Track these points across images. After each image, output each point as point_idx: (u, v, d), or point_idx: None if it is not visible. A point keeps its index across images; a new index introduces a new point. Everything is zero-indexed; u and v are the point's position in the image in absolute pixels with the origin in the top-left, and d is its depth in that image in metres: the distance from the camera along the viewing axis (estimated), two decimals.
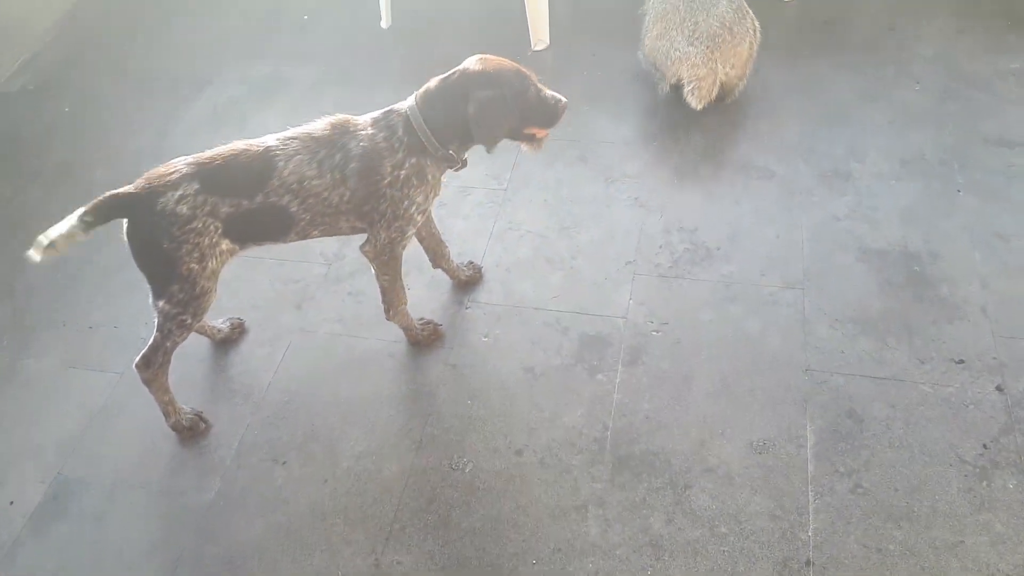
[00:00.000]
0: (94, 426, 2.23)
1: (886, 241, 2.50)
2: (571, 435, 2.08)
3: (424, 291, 2.50)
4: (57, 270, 2.70)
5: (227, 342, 2.39)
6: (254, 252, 2.70)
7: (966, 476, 1.89)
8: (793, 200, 2.68)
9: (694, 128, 3.01)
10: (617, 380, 2.19)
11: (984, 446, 1.95)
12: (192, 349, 2.38)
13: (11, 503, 2.08)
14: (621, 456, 2.01)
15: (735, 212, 2.66)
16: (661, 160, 2.89)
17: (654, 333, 2.31)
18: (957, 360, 2.14)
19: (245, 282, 2.60)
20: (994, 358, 2.14)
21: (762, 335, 2.26)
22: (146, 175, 1.90)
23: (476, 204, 2.81)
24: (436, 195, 2.09)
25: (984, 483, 1.87)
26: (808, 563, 1.77)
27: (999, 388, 2.07)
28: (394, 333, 2.37)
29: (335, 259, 2.66)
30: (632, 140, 3.01)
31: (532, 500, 1.95)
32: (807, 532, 1.82)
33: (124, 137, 3.33)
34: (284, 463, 2.09)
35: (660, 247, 2.57)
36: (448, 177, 2.93)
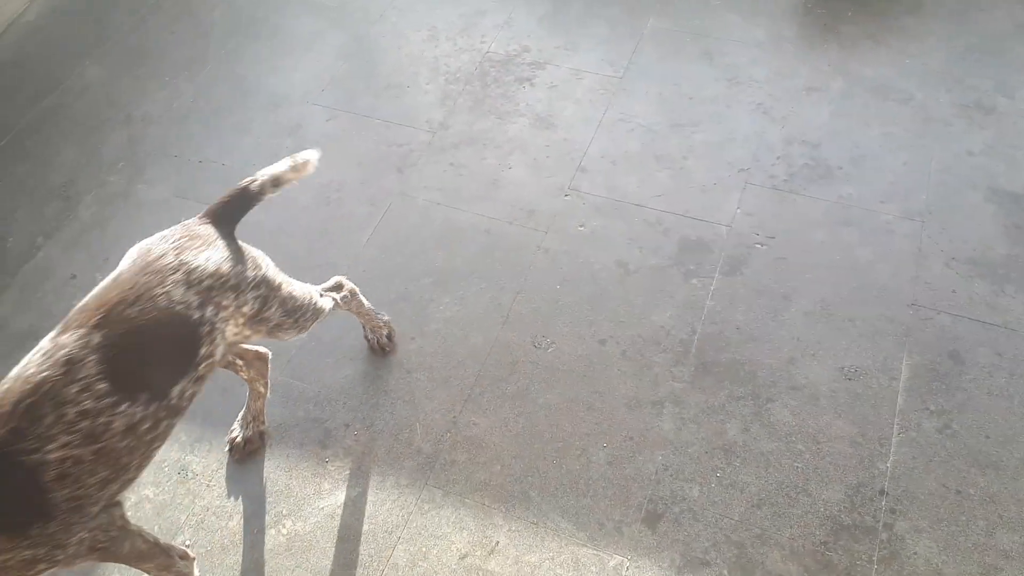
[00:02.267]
0: None
1: (1022, 184, 2.36)
2: (657, 333, 2.09)
3: (525, 172, 2.50)
4: (172, 104, 2.79)
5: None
6: (362, 109, 2.75)
7: None
8: (927, 128, 2.53)
9: (832, 39, 2.83)
10: (712, 287, 2.18)
11: None
12: (294, 196, 2.46)
13: None
14: (706, 361, 2.02)
15: (863, 133, 2.53)
16: (792, 68, 2.75)
17: (758, 246, 2.27)
18: None
19: (352, 139, 2.64)
20: None
21: (872, 264, 2.19)
22: None
23: (588, 89, 2.75)
24: None
25: None
26: (882, 492, 1.78)
27: None
28: (493, 209, 2.40)
29: (440, 127, 2.67)
30: (764, 43, 2.86)
31: (610, 388, 1.99)
32: (886, 463, 1.82)
33: None
34: (399, 313, 2.17)
35: (778, 158, 2.49)
36: (560, 57, 2.87)
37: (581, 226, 2.36)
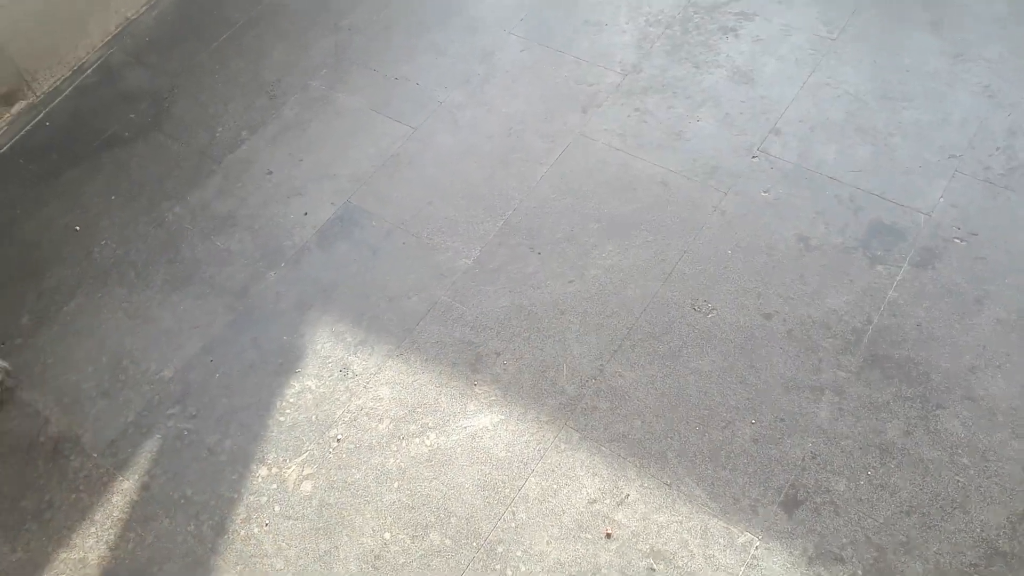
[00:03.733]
0: (385, 168, 2.48)
1: None
2: (829, 317, 2.01)
3: (714, 127, 2.42)
4: (378, 15, 2.91)
5: None
6: (556, 43, 2.75)
7: None
8: (943, 81, 2.21)
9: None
10: (898, 278, 2.05)
11: None
12: (481, 122, 2.53)
13: (305, 214, 2.41)
14: (877, 355, 1.93)
15: (961, 100, 2.25)
16: None
17: (957, 240, 2.10)
18: None
19: (541, 72, 2.65)
20: None
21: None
22: None
23: (795, 47, 2.60)
24: None
25: None
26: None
27: None
28: (673, 161, 2.36)
29: (632, 70, 2.63)
30: (1004, 18, 2.58)
31: (768, 365, 1.95)
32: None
33: None
34: (539, 253, 2.23)
35: (997, 149, 2.27)
36: (771, 10, 2.73)
37: (765, 191, 2.28)
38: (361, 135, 2.57)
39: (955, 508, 1.70)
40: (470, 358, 2.06)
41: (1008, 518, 1.68)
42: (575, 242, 2.24)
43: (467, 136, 2.51)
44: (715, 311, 2.06)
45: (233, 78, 2.81)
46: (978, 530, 1.67)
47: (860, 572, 1.64)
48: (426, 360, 2.07)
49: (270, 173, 2.52)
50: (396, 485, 1.86)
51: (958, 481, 1.73)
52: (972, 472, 1.74)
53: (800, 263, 2.11)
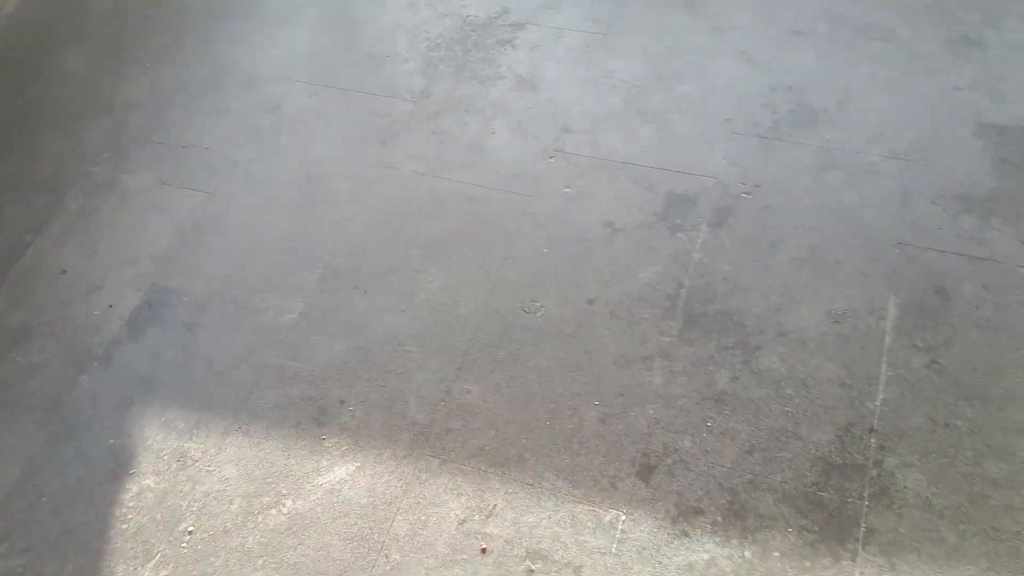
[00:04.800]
0: (187, 241, 2.40)
1: (1009, 116, 2.36)
2: (645, 290, 2.13)
3: (509, 137, 2.52)
4: (152, 89, 2.82)
5: None
6: (343, 82, 2.77)
7: None
8: (913, 66, 2.53)
9: None
10: (699, 240, 2.21)
11: None
12: (274, 174, 2.50)
13: (110, 306, 2.29)
14: (693, 314, 2.06)
15: (849, 74, 2.53)
16: (775, 12, 2.74)
17: (744, 196, 2.29)
18: None
19: (334, 113, 2.66)
20: None
21: (859, 206, 2.21)
22: None
23: (570, 48, 2.76)
24: None
25: None
26: (871, 431, 1.82)
27: None
28: (478, 176, 2.42)
29: (422, 96, 2.68)
30: None
31: (600, 347, 2.03)
32: (875, 402, 1.86)
33: None
34: (365, 291, 2.22)
35: (762, 106, 2.49)
36: (542, 16, 2.87)
37: (567, 187, 2.38)
38: (155, 213, 2.48)
39: (789, 437, 1.83)
40: (313, 413, 2.02)
41: (835, 433, 1.83)
42: (399, 272, 2.25)
43: (267, 191, 2.47)
44: (543, 308, 2.13)
45: (5, 180, 2.63)
46: (812, 451, 1.81)
47: (719, 518, 1.74)
48: (268, 427, 2.01)
49: (64, 272, 2.37)
50: (260, 562, 1.79)
51: (787, 412, 1.87)
52: (797, 400, 1.89)
53: (610, 246, 2.22)
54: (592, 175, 2.39)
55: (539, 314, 2.12)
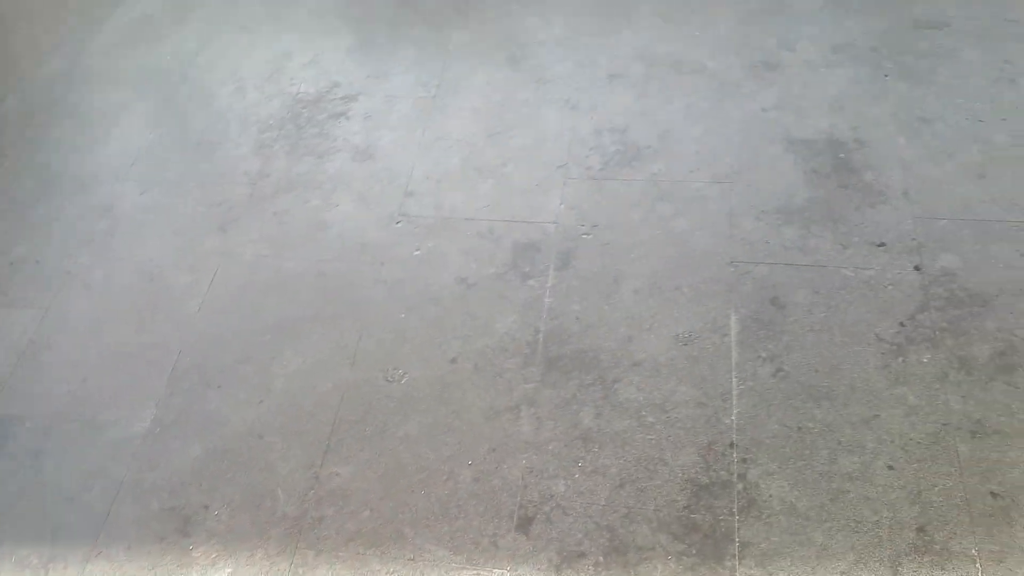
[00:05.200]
0: (22, 364, 2.23)
1: (813, 130, 2.55)
2: (504, 341, 2.13)
3: (352, 208, 2.50)
4: None
5: None
6: (176, 176, 2.68)
7: (883, 353, 2.00)
8: (723, 94, 2.69)
9: (625, 27, 2.98)
10: (548, 284, 2.24)
11: (901, 324, 2.05)
12: (111, 279, 2.38)
13: None
14: (552, 357, 2.08)
15: (666, 110, 2.67)
16: (592, 59, 2.87)
17: (585, 236, 2.35)
18: (878, 243, 2.23)
19: (169, 208, 2.57)
20: (913, 239, 2.22)
21: (690, 231, 2.31)
22: None
23: (403, 114, 2.78)
24: None
25: (900, 359, 1.98)
26: (731, 445, 1.88)
27: (917, 268, 2.16)
28: (324, 251, 2.39)
29: (259, 178, 2.63)
30: (563, 39, 2.97)
31: (466, 405, 2.02)
32: (731, 416, 1.92)
33: (34, 63, 3.19)
34: (218, 387, 2.12)
35: (591, 149, 2.59)
36: (372, 86, 2.90)
37: (417, 250, 2.38)
38: None
39: (656, 464, 1.86)
40: (178, 524, 1.89)
41: (699, 453, 1.88)
42: (252, 361, 2.17)
43: (105, 298, 2.34)
44: (406, 375, 2.10)
45: None
46: (680, 474, 1.84)
47: (601, 558, 1.73)
48: (130, 547, 1.87)
49: None
50: None
51: (650, 439, 1.91)
52: (659, 427, 1.93)
53: (465, 302, 2.22)
54: (439, 235, 2.40)
55: (403, 381, 2.09)
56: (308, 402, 2.06)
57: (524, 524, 1.80)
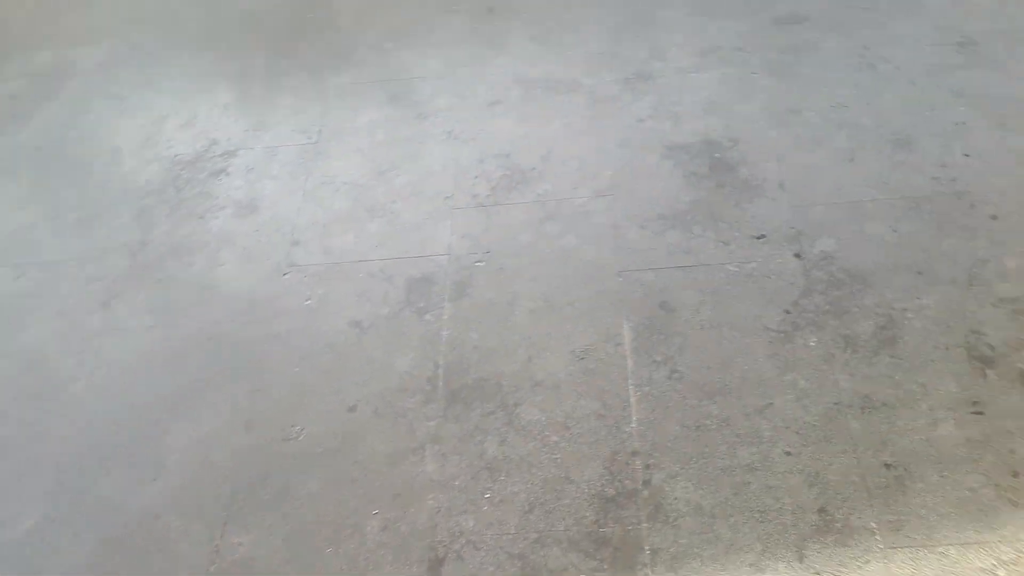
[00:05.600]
0: None
1: (689, 134, 2.63)
2: (404, 380, 2.12)
3: (238, 265, 2.47)
4: None
5: None
6: (52, 256, 2.61)
7: (771, 342, 2.06)
8: (599, 109, 2.76)
9: (500, 53, 3.04)
10: (445, 316, 2.25)
11: (786, 311, 2.12)
12: (3, 373, 2.29)
13: None
14: (453, 390, 2.08)
15: (546, 131, 2.72)
16: (471, 88, 2.92)
17: (477, 264, 2.37)
18: (758, 236, 2.30)
19: (46, 291, 2.49)
20: (791, 228, 2.31)
21: (578, 247, 2.35)
22: None
23: (285, 163, 2.77)
24: None
25: (787, 346, 2.05)
26: (634, 453, 1.90)
27: (797, 255, 2.24)
28: (212, 314, 2.34)
29: (140, 246, 2.58)
30: (441, 72, 3.01)
31: (369, 453, 1.99)
32: (631, 424, 1.95)
33: None
34: (108, 471, 2.05)
35: (476, 177, 2.61)
36: (251, 140, 2.88)
37: (308, 300, 2.36)
38: None
39: (563, 483, 1.87)
40: None
41: (603, 466, 1.89)
42: (143, 439, 2.11)
43: None
44: (305, 430, 2.07)
45: None
46: (587, 490, 1.85)
47: None
48: None
49: None
50: None
51: (556, 459, 1.91)
52: (563, 445, 1.94)
53: (362, 346, 2.21)
54: (330, 281, 2.39)
55: (301, 438, 2.05)
56: (203, 474, 2.01)
57: (435, 566, 1.78)
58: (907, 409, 1.88)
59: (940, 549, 1.70)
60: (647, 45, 2.98)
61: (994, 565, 1.68)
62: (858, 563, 1.69)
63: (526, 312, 2.22)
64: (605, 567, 1.73)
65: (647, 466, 1.87)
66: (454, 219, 2.50)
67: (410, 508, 1.88)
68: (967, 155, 2.44)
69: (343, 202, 2.61)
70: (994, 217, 2.27)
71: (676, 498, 1.82)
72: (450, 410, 2.04)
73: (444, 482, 1.91)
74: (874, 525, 1.73)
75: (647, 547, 1.75)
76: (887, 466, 1.81)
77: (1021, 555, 1.69)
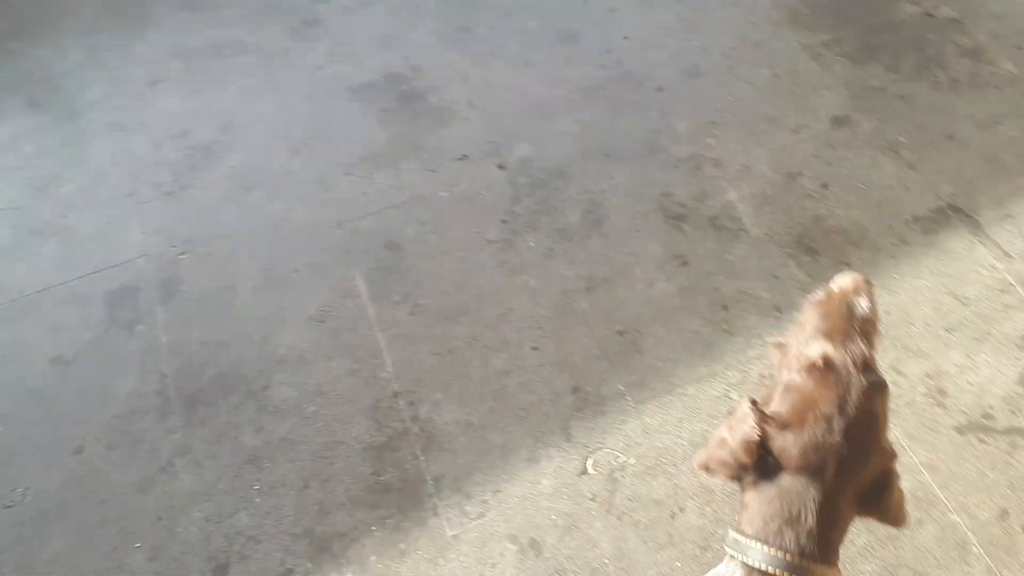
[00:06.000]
0: None
1: (370, 72, 2.61)
2: (130, 402, 1.94)
3: None
4: None
5: None
6: None
7: (496, 253, 2.14)
8: (272, 65, 2.65)
9: (149, 27, 2.79)
10: (159, 322, 2.08)
11: (503, 221, 2.21)
12: None
13: None
14: (189, 395, 1.94)
15: (222, 99, 2.56)
16: (125, 72, 2.65)
17: (181, 257, 2.20)
18: (460, 157, 2.36)
19: None
20: (489, 142, 2.40)
21: (288, 210, 2.27)
22: None
23: None
24: None
25: (511, 252, 2.15)
26: (396, 395, 1.91)
27: (500, 166, 2.34)
28: None
29: None
30: (84, 61, 2.71)
31: (112, 489, 1.82)
32: (386, 370, 1.95)
33: None
34: None
35: (156, 165, 2.41)
36: None
37: None
38: None
39: (333, 448, 1.84)
40: None
41: (368, 417, 1.88)
42: None
43: None
44: (27, 489, 1.83)
45: None
46: (358, 446, 1.85)
47: (309, 564, 1.69)
48: None
49: None
50: None
51: (320, 427, 1.87)
52: (323, 412, 1.90)
53: (70, 382, 1.98)
54: (13, 321, 2.10)
55: (27, 499, 1.82)
56: None
57: (221, 574, 1.68)
58: (624, 279, 2.07)
59: (679, 390, 1.90)
60: None
61: (726, 390, 1.92)
62: (617, 426, 1.85)
63: (249, 292, 2.11)
64: (394, 511, 1.74)
65: (411, 403, 1.89)
66: (142, 216, 2.29)
67: (176, 528, 1.75)
68: (626, 37, 2.67)
69: (5, 231, 2.29)
70: (659, 89, 2.52)
71: (445, 423, 1.86)
72: (192, 416, 1.91)
73: (206, 490, 1.80)
74: (622, 388, 1.89)
75: (429, 478, 1.78)
76: (620, 333, 1.98)
77: (745, 374, 1.95)
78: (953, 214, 2.19)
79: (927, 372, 1.90)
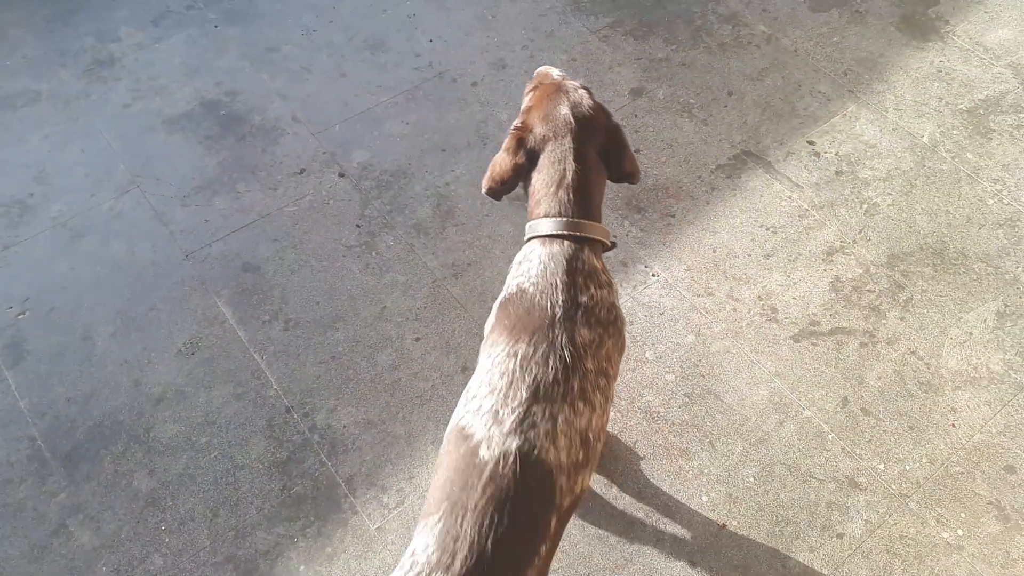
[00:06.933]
0: None
1: (183, 102, 2.62)
2: (1, 473, 1.87)
3: None
4: None
5: None
6: None
7: (359, 256, 2.26)
8: (73, 109, 2.59)
9: None
10: (13, 387, 2.00)
11: (357, 225, 2.33)
12: None
13: None
14: (66, 454, 1.90)
15: (26, 151, 2.47)
16: None
17: (21, 317, 2.12)
18: (299, 171, 2.45)
19: None
20: (324, 153, 2.50)
21: (132, 250, 2.25)
22: None
23: None
24: None
25: (373, 253, 2.27)
26: (288, 409, 1.98)
27: (341, 174, 2.45)
28: None
29: None
30: None
31: (1, 568, 1.74)
32: (272, 388, 2.01)
33: None
34: None
35: None
36: None
37: None
38: None
39: (235, 472, 1.88)
40: None
41: (265, 436, 1.94)
42: None
43: None
44: None
45: None
46: (260, 466, 1.89)
47: None
48: None
49: None
50: None
51: (215, 456, 1.90)
52: (216, 440, 1.93)
53: None
54: None
55: None
56: None
57: None
58: (487, 259, 2.26)
59: None
60: (90, 31, 2.83)
61: None
62: None
63: (108, 338, 2.09)
64: (313, 519, 1.82)
65: (305, 414, 1.97)
66: None
67: None
68: (431, 40, 2.86)
69: None
70: (474, 84, 2.74)
71: (344, 426, 1.95)
72: (75, 473, 1.87)
73: (108, 542, 1.78)
74: None
75: (340, 480, 1.87)
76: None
77: None
78: (748, 158, 2.57)
79: (758, 295, 2.24)
